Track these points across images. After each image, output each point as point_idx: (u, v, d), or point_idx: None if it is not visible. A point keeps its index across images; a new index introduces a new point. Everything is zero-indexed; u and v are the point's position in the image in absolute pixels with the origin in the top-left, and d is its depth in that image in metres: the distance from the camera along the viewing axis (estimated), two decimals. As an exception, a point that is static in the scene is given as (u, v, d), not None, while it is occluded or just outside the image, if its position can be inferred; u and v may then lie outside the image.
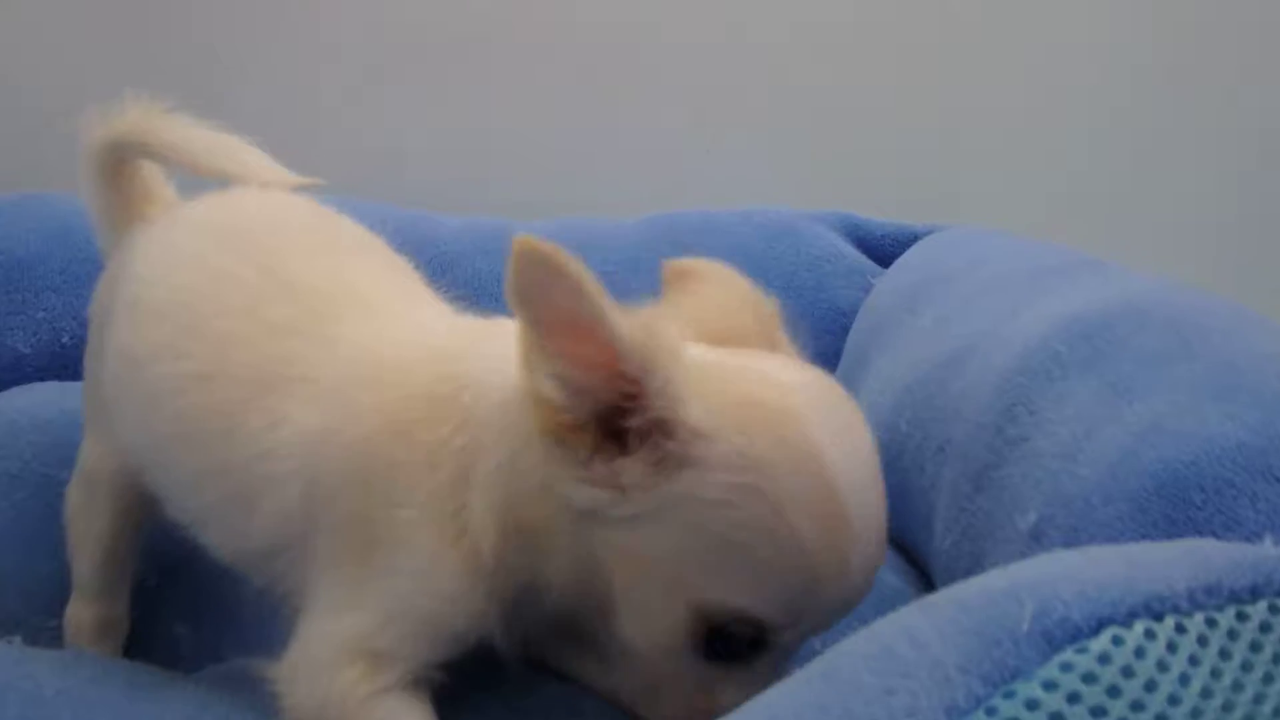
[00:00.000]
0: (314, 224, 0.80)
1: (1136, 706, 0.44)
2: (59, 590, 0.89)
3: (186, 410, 0.71)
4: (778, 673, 0.55)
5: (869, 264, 1.40)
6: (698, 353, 0.60)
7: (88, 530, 0.85)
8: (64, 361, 1.24)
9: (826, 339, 1.34)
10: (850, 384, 1.19)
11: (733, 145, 1.69)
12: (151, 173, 0.93)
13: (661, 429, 0.57)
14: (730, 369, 0.60)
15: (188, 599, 0.94)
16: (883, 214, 1.46)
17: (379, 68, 1.67)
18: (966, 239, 1.23)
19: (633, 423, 0.57)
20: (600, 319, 0.55)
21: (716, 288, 0.68)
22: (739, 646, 0.59)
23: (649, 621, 0.59)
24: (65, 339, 1.25)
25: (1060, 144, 1.67)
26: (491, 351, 0.65)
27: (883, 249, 1.41)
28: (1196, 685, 0.45)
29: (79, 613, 0.86)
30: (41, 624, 0.83)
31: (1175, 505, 0.62)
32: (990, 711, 0.44)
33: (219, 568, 0.94)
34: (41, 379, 1.23)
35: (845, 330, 1.33)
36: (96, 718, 0.62)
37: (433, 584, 0.63)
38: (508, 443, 0.62)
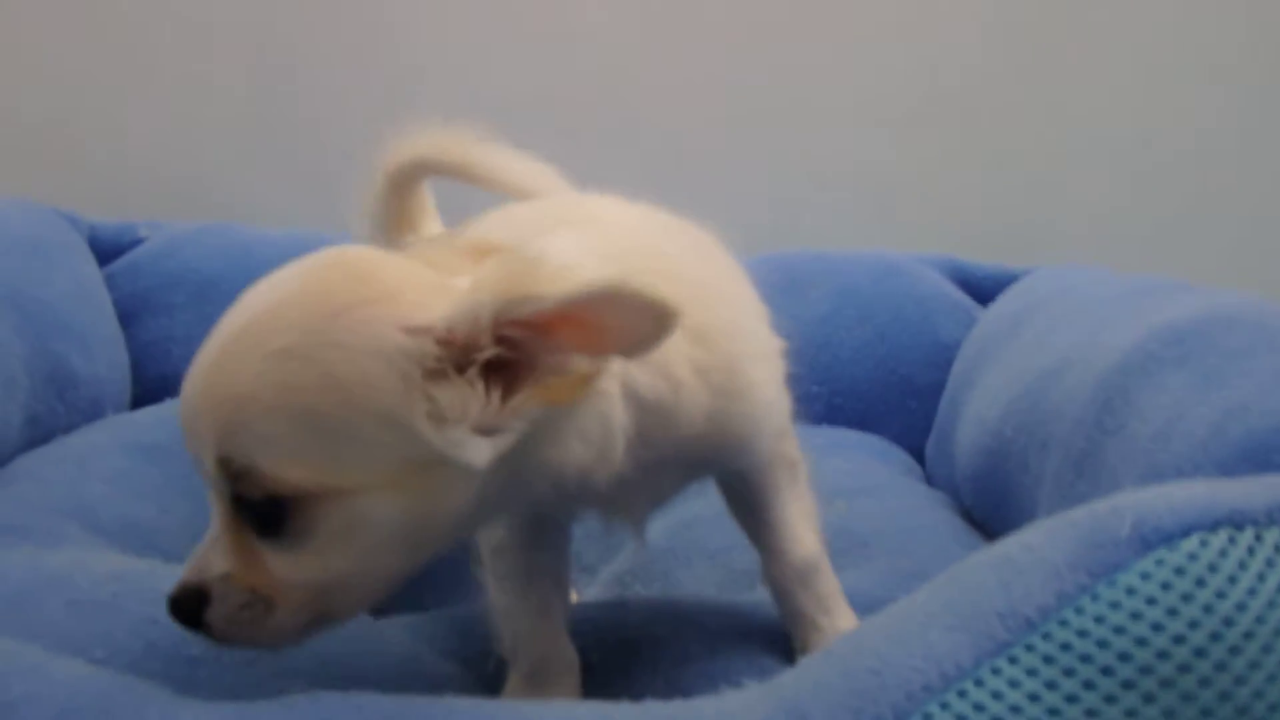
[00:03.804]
0: (679, 228, 0.83)
1: (1220, 594, 0.53)
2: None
3: None
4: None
5: (971, 302, 1.48)
6: None
7: None
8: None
9: (931, 370, 1.42)
10: (956, 407, 1.28)
11: (844, 193, 1.79)
12: (425, 191, 1.03)
13: None
14: None
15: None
16: (984, 258, 1.56)
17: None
18: (1064, 272, 1.31)
19: None
20: None
21: None
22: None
23: None
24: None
25: (1156, 185, 1.74)
26: None
27: (984, 289, 1.49)
28: (1271, 583, 0.53)
29: None
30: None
31: (1259, 467, 0.69)
32: (1094, 596, 0.53)
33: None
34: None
35: (948, 363, 1.41)
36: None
37: None
38: None
